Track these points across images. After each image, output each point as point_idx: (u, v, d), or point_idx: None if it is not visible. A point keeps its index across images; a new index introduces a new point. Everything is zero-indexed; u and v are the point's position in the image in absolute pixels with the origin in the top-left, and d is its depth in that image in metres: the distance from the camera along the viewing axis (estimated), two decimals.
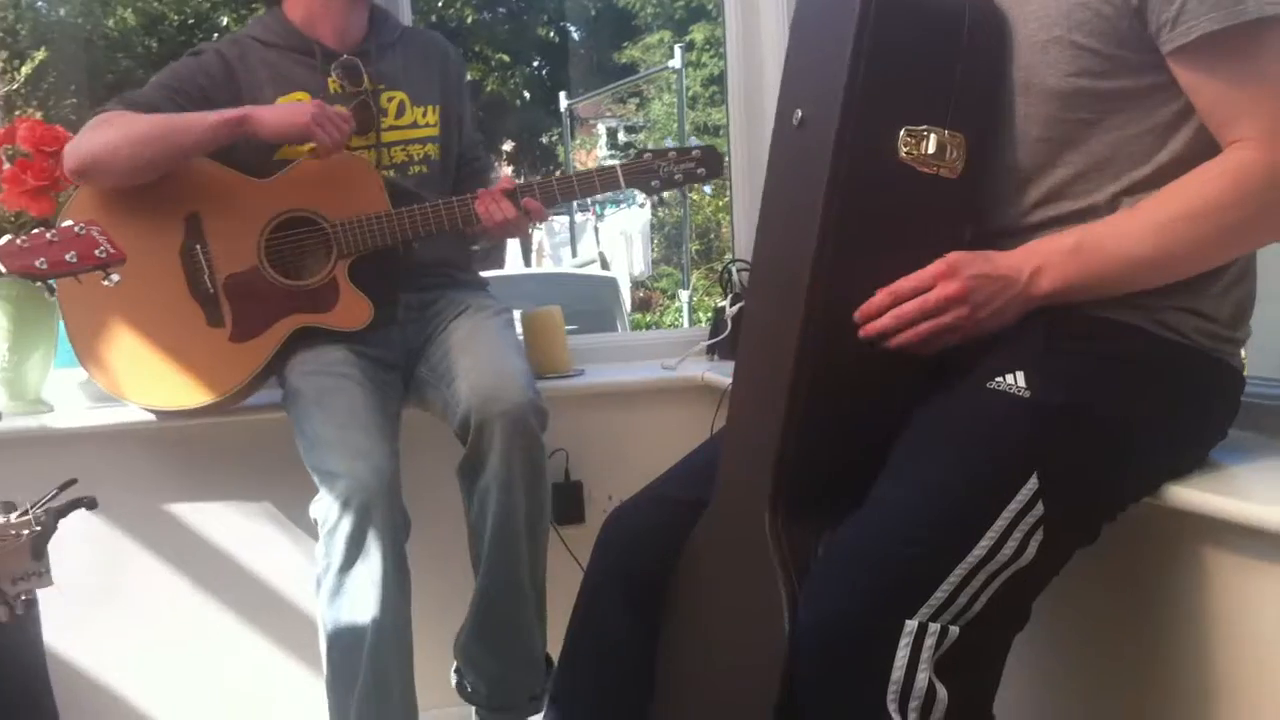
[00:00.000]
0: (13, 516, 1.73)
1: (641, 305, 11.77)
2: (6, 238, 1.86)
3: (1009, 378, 1.42)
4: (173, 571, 2.61)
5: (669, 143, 2.65)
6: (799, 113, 1.55)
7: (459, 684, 2.44)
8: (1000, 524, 1.34)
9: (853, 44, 1.44)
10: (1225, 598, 1.44)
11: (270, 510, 2.66)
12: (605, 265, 9.20)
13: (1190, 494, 1.43)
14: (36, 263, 1.84)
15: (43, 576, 1.76)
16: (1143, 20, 1.41)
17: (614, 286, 8.54)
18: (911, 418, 1.47)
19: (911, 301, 1.46)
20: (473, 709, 2.43)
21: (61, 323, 2.44)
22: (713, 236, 11.98)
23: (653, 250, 10.52)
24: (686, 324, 8.16)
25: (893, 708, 1.30)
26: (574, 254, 9.58)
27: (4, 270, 1.82)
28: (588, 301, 7.30)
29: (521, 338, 2.81)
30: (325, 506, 2.18)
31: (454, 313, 2.50)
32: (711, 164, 2.59)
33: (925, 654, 1.31)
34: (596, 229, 9.56)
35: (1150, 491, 1.47)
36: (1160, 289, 1.49)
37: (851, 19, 1.44)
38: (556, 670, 1.85)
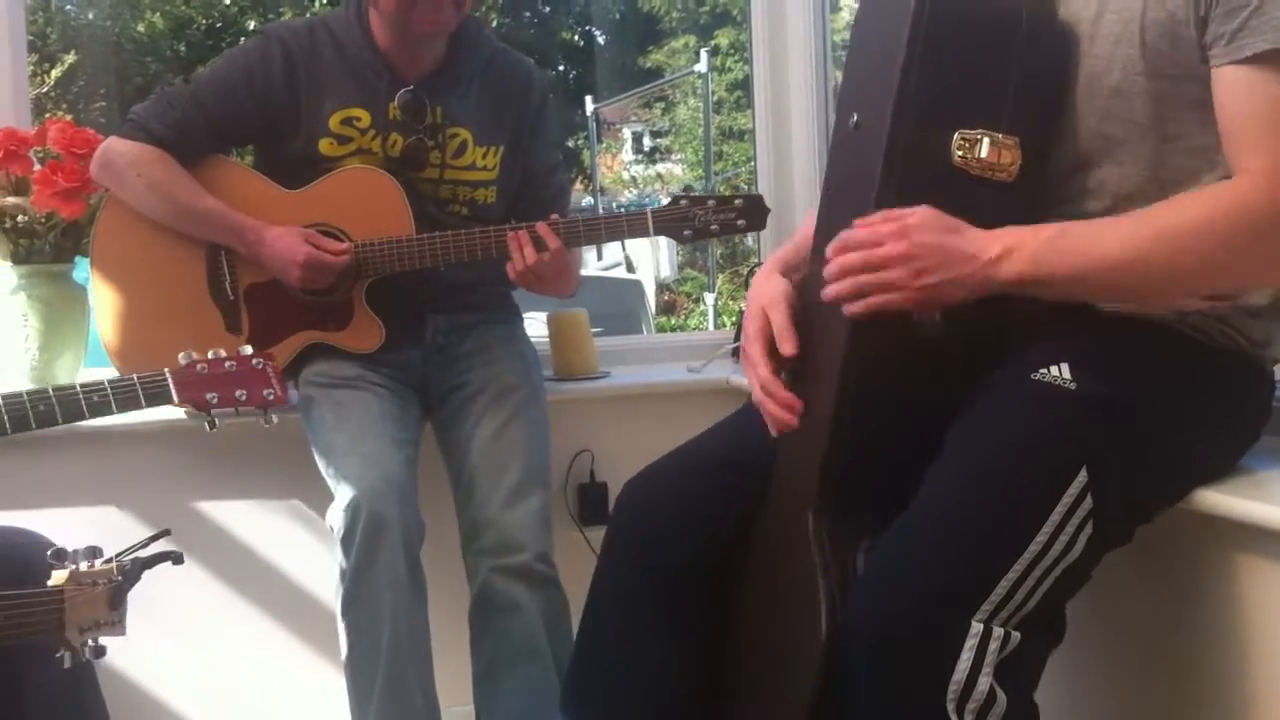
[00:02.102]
0: (96, 563, 1.75)
1: (666, 309, 11.77)
2: (187, 357, 1.90)
3: (1053, 369, 1.42)
4: (203, 570, 2.62)
5: (707, 189, 2.57)
6: (855, 116, 1.55)
7: None
8: (1055, 518, 1.34)
9: (906, 48, 1.44)
10: (1257, 603, 1.44)
11: (299, 509, 2.66)
12: (631, 268, 9.20)
13: (1221, 499, 1.42)
14: (208, 396, 1.90)
15: (116, 625, 1.78)
16: (1202, 30, 1.39)
17: (639, 289, 8.55)
18: (957, 416, 1.47)
19: (856, 253, 1.46)
20: None
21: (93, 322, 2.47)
22: (737, 241, 11.97)
23: (678, 254, 10.50)
24: (711, 327, 8.15)
25: (951, 708, 1.29)
26: (599, 257, 9.57)
27: (175, 401, 1.88)
28: (613, 304, 7.31)
29: (548, 342, 2.82)
30: (338, 513, 2.19)
31: (480, 393, 2.42)
32: (754, 216, 2.43)
33: (990, 657, 1.30)
34: None
35: (1184, 493, 1.47)
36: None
37: (906, 22, 1.44)
38: (568, 672, 1.84)
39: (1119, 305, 1.50)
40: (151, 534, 1.84)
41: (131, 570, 1.77)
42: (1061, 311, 1.48)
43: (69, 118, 2.58)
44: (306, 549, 2.67)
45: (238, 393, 1.90)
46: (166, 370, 1.86)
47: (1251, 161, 1.35)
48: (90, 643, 1.72)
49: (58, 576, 1.69)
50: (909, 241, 1.43)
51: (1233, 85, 1.38)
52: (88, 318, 2.59)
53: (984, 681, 1.29)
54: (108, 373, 2.60)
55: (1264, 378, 1.55)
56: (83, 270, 2.62)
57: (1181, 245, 1.37)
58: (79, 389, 1.78)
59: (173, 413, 2.47)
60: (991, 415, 1.44)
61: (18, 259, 2.50)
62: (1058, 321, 1.47)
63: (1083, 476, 1.35)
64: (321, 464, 2.30)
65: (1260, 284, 1.45)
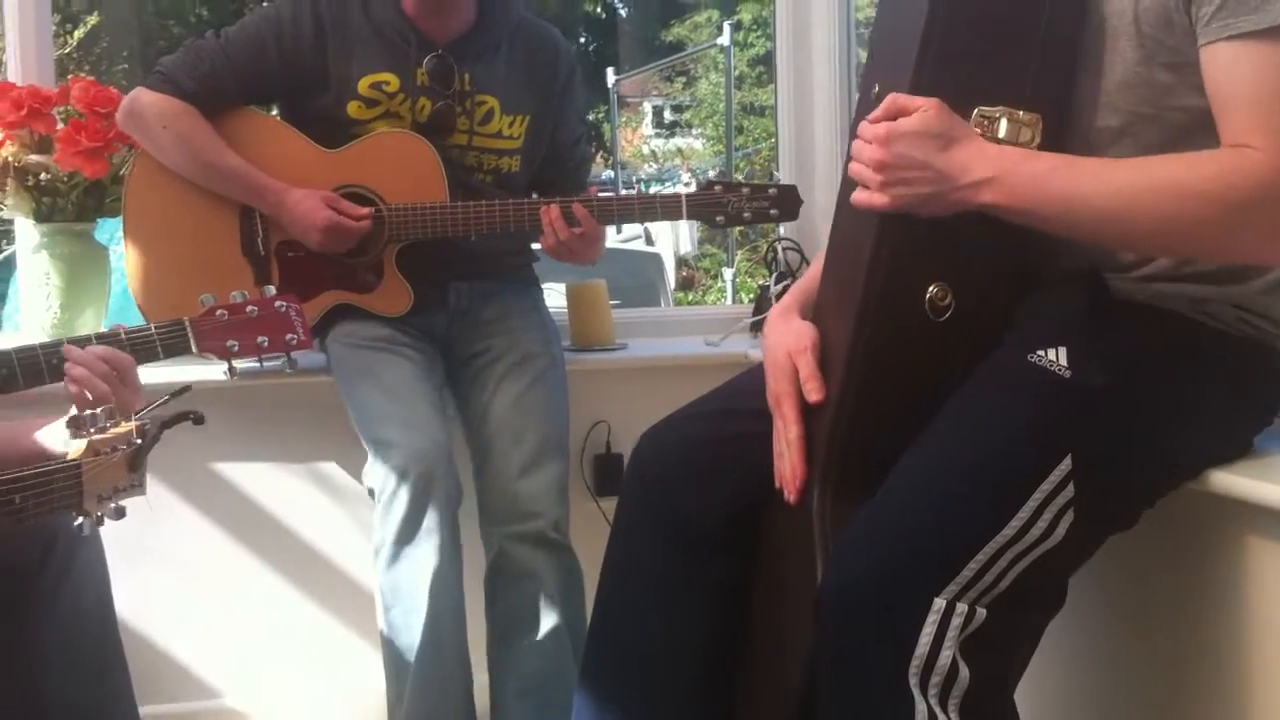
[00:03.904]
0: (113, 426, 1.74)
1: (685, 284, 11.75)
2: (208, 300, 1.87)
3: (1050, 353, 1.42)
4: (228, 534, 2.65)
5: (727, 164, 2.55)
6: (876, 86, 1.55)
7: None
8: (1032, 504, 1.34)
9: (925, 23, 1.44)
10: (1266, 585, 1.44)
11: (328, 471, 2.69)
12: (650, 241, 9.18)
13: (1232, 479, 1.43)
14: (229, 343, 1.88)
15: (136, 487, 1.77)
16: (1188, 14, 1.39)
17: (658, 262, 8.52)
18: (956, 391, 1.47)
19: (856, 142, 1.48)
20: None
21: (121, 276, 2.49)
22: None
23: (699, 230, 10.48)
24: (729, 302, 8.14)
25: (913, 682, 1.30)
26: (619, 230, 9.57)
27: (195, 350, 1.86)
28: (632, 276, 7.29)
29: (566, 313, 2.83)
30: (382, 477, 2.21)
31: (500, 359, 2.45)
32: (788, 206, 2.47)
33: (951, 633, 1.31)
34: None
35: (1191, 478, 1.47)
36: (1199, 279, 1.48)
37: None
38: (588, 636, 1.85)
39: (1134, 291, 1.50)
40: (173, 390, 1.81)
41: (151, 431, 1.77)
42: (1073, 293, 1.48)
43: (91, 79, 2.58)
44: (336, 511, 2.69)
45: (259, 339, 1.88)
46: (186, 319, 1.84)
47: (1256, 139, 1.34)
48: (111, 506, 1.71)
49: (75, 448, 1.69)
50: (888, 151, 1.44)
51: (1218, 65, 1.36)
52: (109, 277, 2.62)
53: (946, 655, 1.30)
54: None
55: (1278, 361, 1.54)
56: (105, 230, 2.64)
57: (1171, 205, 1.36)
58: (94, 339, 1.77)
59: (198, 371, 2.50)
60: (981, 394, 1.44)
61: (40, 217, 2.52)
62: (1068, 303, 1.48)
63: (1066, 464, 1.35)
64: (359, 426, 2.32)
65: (1247, 258, 1.44)
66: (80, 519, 1.68)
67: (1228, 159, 1.36)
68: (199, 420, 1.80)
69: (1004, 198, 1.41)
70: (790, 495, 1.53)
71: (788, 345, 1.58)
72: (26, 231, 2.56)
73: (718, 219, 2.45)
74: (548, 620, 2.26)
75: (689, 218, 2.49)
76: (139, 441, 1.74)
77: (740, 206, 2.44)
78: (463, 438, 2.47)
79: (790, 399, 1.57)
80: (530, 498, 2.28)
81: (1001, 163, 1.42)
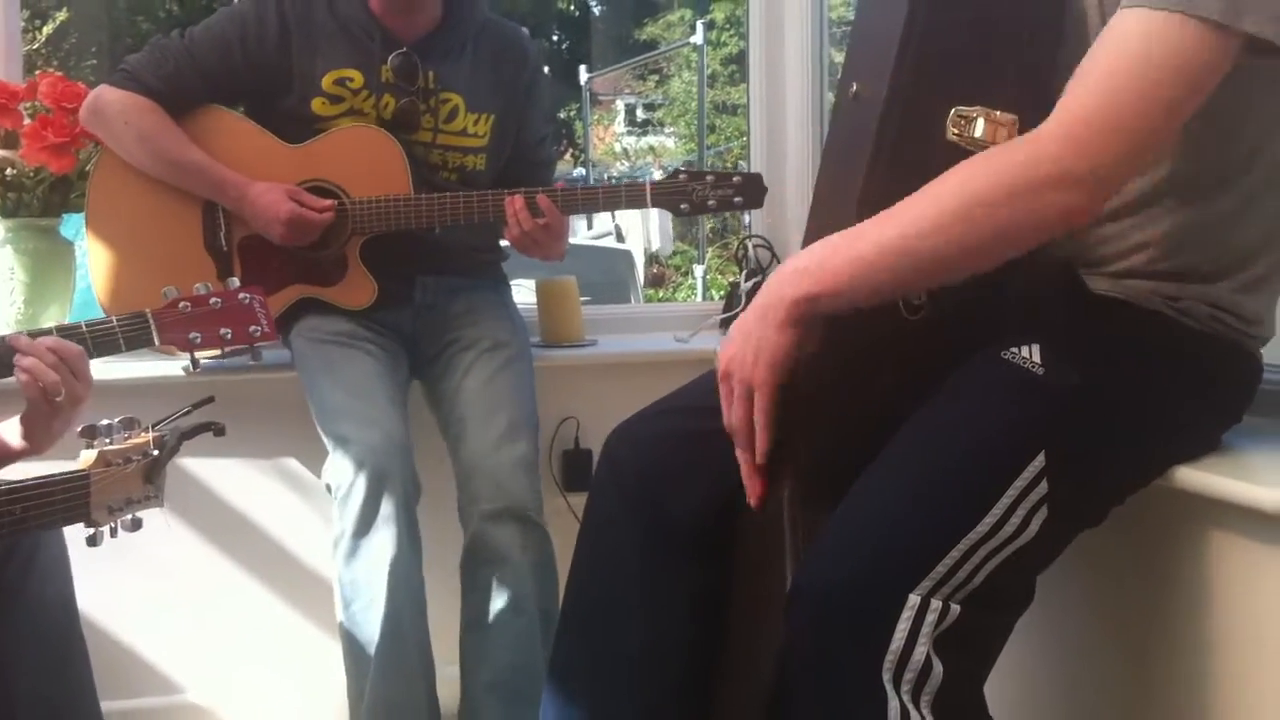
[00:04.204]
0: (130, 437, 1.72)
1: (655, 281, 11.76)
2: (171, 293, 1.84)
3: (1024, 350, 1.41)
4: (190, 530, 2.63)
5: (699, 162, 2.54)
6: (854, 85, 1.55)
7: None
8: (1005, 501, 1.33)
9: (905, 21, 1.43)
10: (1230, 580, 1.45)
11: (290, 467, 2.68)
12: (621, 238, 9.18)
13: (1199, 476, 1.43)
14: (191, 335, 1.85)
15: (152, 499, 1.75)
16: None
17: (629, 259, 8.53)
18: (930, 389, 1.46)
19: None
20: None
21: (85, 272, 2.48)
22: (728, 215, 11.95)
23: (672, 227, 10.48)
24: (700, 299, 8.16)
25: (887, 678, 1.29)
26: (589, 225, 9.56)
27: (157, 343, 1.83)
28: (602, 273, 7.30)
29: (536, 310, 2.82)
30: (339, 471, 2.21)
31: (470, 347, 2.45)
32: (752, 194, 2.46)
33: (926, 629, 1.30)
34: None
35: (1160, 475, 1.47)
36: (1174, 278, 1.48)
37: None
38: (559, 632, 1.83)
39: (1110, 288, 1.49)
40: (198, 400, 1.81)
41: (169, 442, 1.74)
42: (1049, 289, 1.48)
43: (60, 74, 2.56)
44: (299, 507, 2.68)
45: (223, 331, 1.85)
46: (148, 311, 1.82)
47: (1069, 100, 1.30)
48: (125, 518, 1.70)
49: (85, 458, 1.66)
50: (722, 377, 1.44)
51: (1109, 29, 1.32)
52: (74, 273, 2.60)
53: (920, 651, 1.30)
54: None
55: (1250, 361, 1.55)
56: (70, 226, 2.62)
57: (952, 209, 1.31)
58: (54, 330, 1.75)
59: (157, 366, 2.49)
60: (955, 392, 1.44)
61: (6, 212, 2.50)
62: (1043, 299, 1.48)
63: (1039, 461, 1.35)
64: (319, 422, 2.31)
65: (1059, 230, 1.35)
66: (91, 530, 1.67)
67: (1011, 147, 1.33)
68: (220, 432, 1.80)
69: (806, 282, 1.37)
70: (753, 497, 1.50)
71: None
72: None
73: (682, 206, 2.44)
74: (521, 608, 2.25)
75: (653, 205, 2.48)
76: (156, 453, 1.72)
77: (705, 194, 2.43)
78: (436, 429, 2.47)
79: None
80: (505, 474, 2.27)
81: (791, 260, 1.41)
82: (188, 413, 1.81)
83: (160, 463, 1.74)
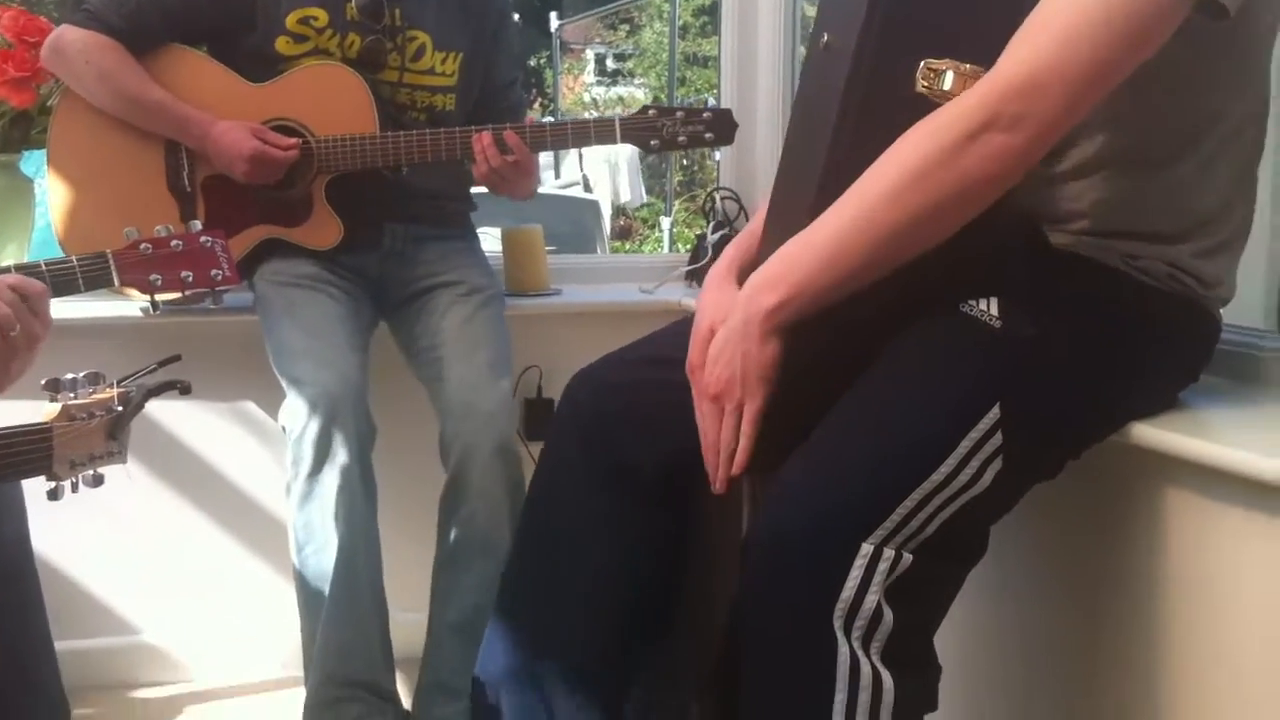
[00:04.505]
0: (95, 392, 1.70)
1: (621, 234, 11.75)
2: (132, 234, 1.82)
3: (982, 304, 1.42)
4: (148, 473, 2.63)
5: (681, 102, 2.47)
6: (825, 35, 1.54)
7: None
8: (960, 451, 1.34)
9: None
10: (1182, 536, 1.47)
11: (248, 410, 2.68)
12: (588, 188, 9.15)
13: (1154, 432, 1.44)
14: (151, 278, 1.83)
15: (115, 455, 1.73)
16: None
17: (596, 209, 8.50)
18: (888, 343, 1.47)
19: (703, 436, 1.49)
20: None
21: (45, 210, 2.45)
22: (695, 168, 11.94)
23: (642, 180, 10.45)
24: (666, 251, 8.14)
25: (838, 624, 1.31)
26: (557, 175, 9.52)
27: (116, 283, 1.81)
28: (568, 223, 7.28)
29: (501, 259, 2.81)
30: (293, 412, 2.20)
31: (446, 287, 2.45)
32: (722, 130, 2.45)
33: (878, 578, 1.31)
34: (580, 152, 9.55)
35: (1115, 430, 1.48)
36: (1134, 238, 1.48)
37: None
38: (508, 563, 1.85)
39: (1071, 244, 1.50)
40: (163, 358, 1.78)
41: (134, 398, 1.73)
42: (1009, 243, 1.48)
43: (22, 8, 2.53)
44: (256, 450, 2.68)
45: (184, 274, 1.84)
46: (108, 251, 1.81)
47: (1015, 55, 1.30)
48: (88, 473, 1.68)
49: (48, 411, 1.65)
50: (694, 378, 1.49)
51: None
52: (32, 210, 2.57)
53: (871, 599, 1.31)
54: None
55: (1208, 320, 1.56)
56: (31, 163, 2.59)
57: (899, 178, 1.32)
58: (12, 268, 1.72)
59: (116, 307, 2.47)
60: (912, 344, 1.44)
61: None
62: (1003, 253, 1.48)
63: (994, 413, 1.35)
64: (275, 363, 2.30)
65: (981, 196, 1.34)
66: (52, 484, 1.65)
67: (946, 106, 1.33)
68: (186, 390, 1.77)
69: (773, 292, 1.40)
70: (720, 482, 1.50)
71: (714, 319, 1.52)
72: None
73: (652, 142, 2.43)
74: (491, 550, 2.25)
75: (622, 140, 2.46)
76: (120, 409, 1.71)
77: (675, 130, 2.43)
78: (394, 375, 2.47)
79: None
80: (493, 410, 2.27)
81: (763, 268, 1.43)
82: (153, 370, 1.80)
83: (124, 419, 1.73)
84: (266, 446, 2.66)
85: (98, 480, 1.72)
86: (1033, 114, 1.28)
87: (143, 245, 1.83)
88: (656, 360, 1.68)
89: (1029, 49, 1.30)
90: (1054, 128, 1.31)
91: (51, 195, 2.42)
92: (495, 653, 1.75)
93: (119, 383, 1.73)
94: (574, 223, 7.55)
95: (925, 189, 1.32)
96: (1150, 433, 1.45)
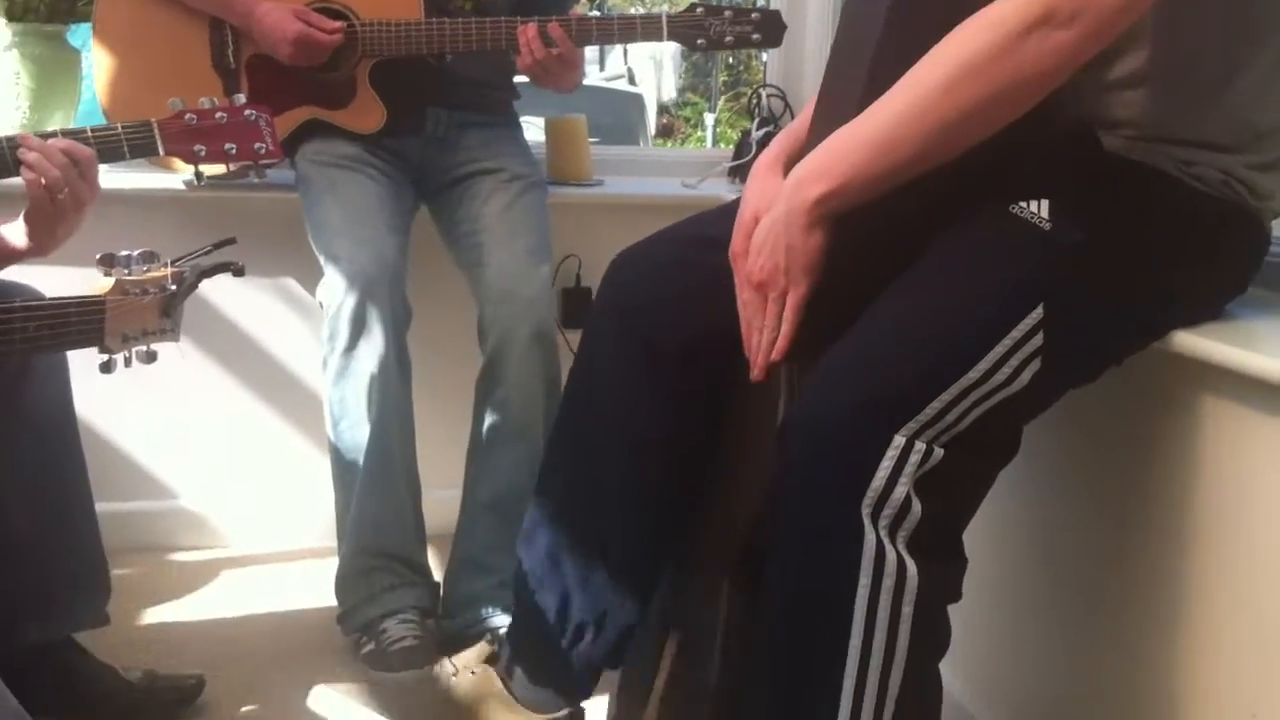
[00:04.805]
0: (149, 270, 1.73)
1: (664, 132, 11.65)
2: (177, 104, 1.83)
3: (1033, 205, 1.40)
4: (189, 344, 2.64)
5: None
6: None
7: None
8: (1000, 349, 1.34)
9: None
10: (1220, 446, 1.46)
11: (289, 286, 2.72)
12: (632, 81, 9.06)
13: (1194, 340, 1.43)
14: (195, 148, 1.83)
15: (169, 333, 1.77)
16: None
17: (640, 103, 8.43)
18: (935, 239, 1.45)
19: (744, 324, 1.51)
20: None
21: (91, 82, 2.45)
22: (741, 67, 11.80)
23: (680, 77, 10.34)
24: (710, 146, 8.08)
25: (866, 512, 1.32)
26: (602, 68, 9.42)
27: (161, 152, 1.81)
28: (612, 115, 7.22)
29: (545, 150, 2.80)
30: (330, 289, 2.22)
31: (488, 174, 2.44)
32: (770, 31, 2.40)
33: (908, 469, 1.32)
34: (625, 46, 9.43)
35: (1159, 338, 1.48)
36: (1189, 144, 1.47)
37: None
38: (550, 437, 1.86)
39: (1124, 148, 1.48)
40: (219, 240, 1.82)
41: (190, 279, 1.76)
42: (1062, 145, 1.46)
43: None
44: (296, 325, 2.72)
45: (227, 146, 1.85)
46: (153, 120, 1.81)
47: None
48: (141, 349, 1.72)
49: (101, 284, 1.68)
50: (737, 261, 1.50)
51: None
52: (79, 82, 2.57)
53: (900, 490, 1.32)
54: None
55: (1259, 230, 1.54)
56: (78, 36, 2.59)
57: (953, 68, 1.31)
58: (60, 134, 1.73)
59: (160, 179, 2.48)
60: (959, 242, 1.43)
61: (12, 15, 2.47)
62: (1056, 155, 1.46)
63: (1038, 313, 1.35)
64: (314, 241, 2.31)
65: (1033, 91, 1.33)
66: (105, 356, 1.68)
67: (1000, 5, 1.31)
68: (239, 272, 1.80)
69: (819, 183, 1.39)
70: (760, 368, 1.51)
71: (758, 208, 1.52)
72: None
73: (699, 41, 2.40)
74: (526, 432, 2.28)
75: (669, 38, 2.42)
76: (173, 288, 1.73)
77: (722, 30, 2.39)
78: (434, 259, 2.48)
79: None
80: (534, 294, 2.27)
81: (805, 165, 1.42)
82: (208, 251, 1.82)
83: (178, 298, 1.76)
84: (305, 322, 2.69)
85: (151, 356, 1.75)
86: (1089, 10, 1.26)
87: (187, 115, 1.83)
88: (700, 240, 1.68)
89: None
90: (1110, 25, 1.29)
91: (96, 68, 2.42)
92: (536, 540, 1.79)
93: (173, 262, 1.75)
94: (618, 115, 7.49)
95: (980, 81, 1.30)
96: (1191, 340, 1.44)
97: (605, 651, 1.76)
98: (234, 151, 1.86)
